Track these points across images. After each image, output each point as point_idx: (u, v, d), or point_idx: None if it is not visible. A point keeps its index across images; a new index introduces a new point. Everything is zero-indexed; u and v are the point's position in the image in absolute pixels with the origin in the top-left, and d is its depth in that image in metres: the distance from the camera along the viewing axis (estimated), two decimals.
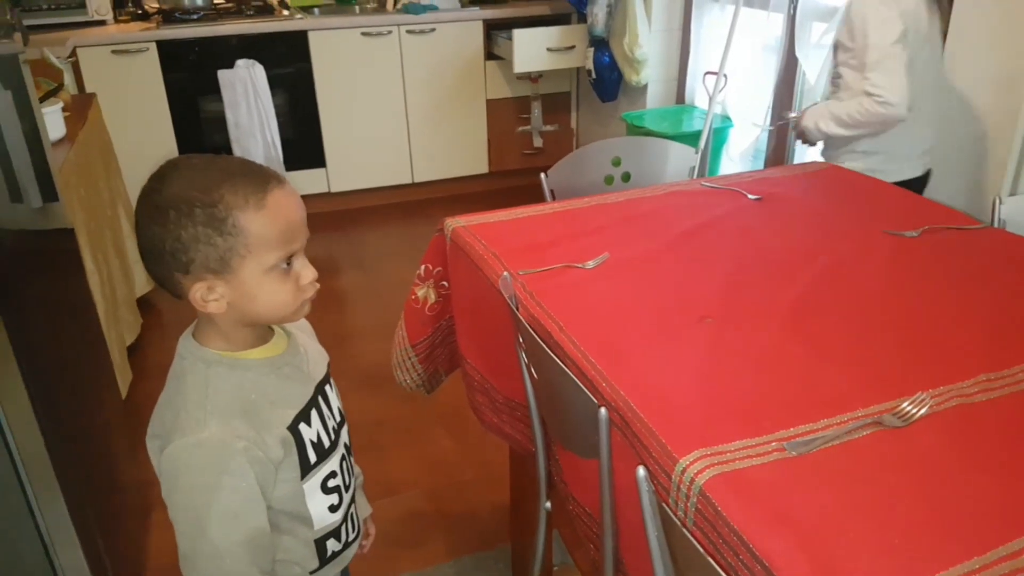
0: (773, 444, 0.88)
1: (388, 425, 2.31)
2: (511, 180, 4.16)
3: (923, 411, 0.91)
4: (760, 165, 3.21)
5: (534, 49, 3.69)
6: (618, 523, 1.01)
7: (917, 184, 1.98)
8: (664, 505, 0.83)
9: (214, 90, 3.49)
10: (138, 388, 2.48)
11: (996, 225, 1.49)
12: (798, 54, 2.77)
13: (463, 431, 2.26)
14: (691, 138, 3.15)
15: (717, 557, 0.79)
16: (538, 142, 4.12)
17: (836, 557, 0.73)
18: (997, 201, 1.50)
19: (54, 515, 1.35)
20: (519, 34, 3.63)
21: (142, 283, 2.91)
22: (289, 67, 3.60)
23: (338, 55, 3.61)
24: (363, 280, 3.29)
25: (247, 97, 3.51)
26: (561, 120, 4.15)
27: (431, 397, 1.77)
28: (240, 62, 3.48)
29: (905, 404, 0.93)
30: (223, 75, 3.47)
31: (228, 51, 3.48)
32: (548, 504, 1.32)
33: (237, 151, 3.59)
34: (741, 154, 3.28)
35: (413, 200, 4.06)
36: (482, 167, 4.10)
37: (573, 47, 3.77)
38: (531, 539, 1.44)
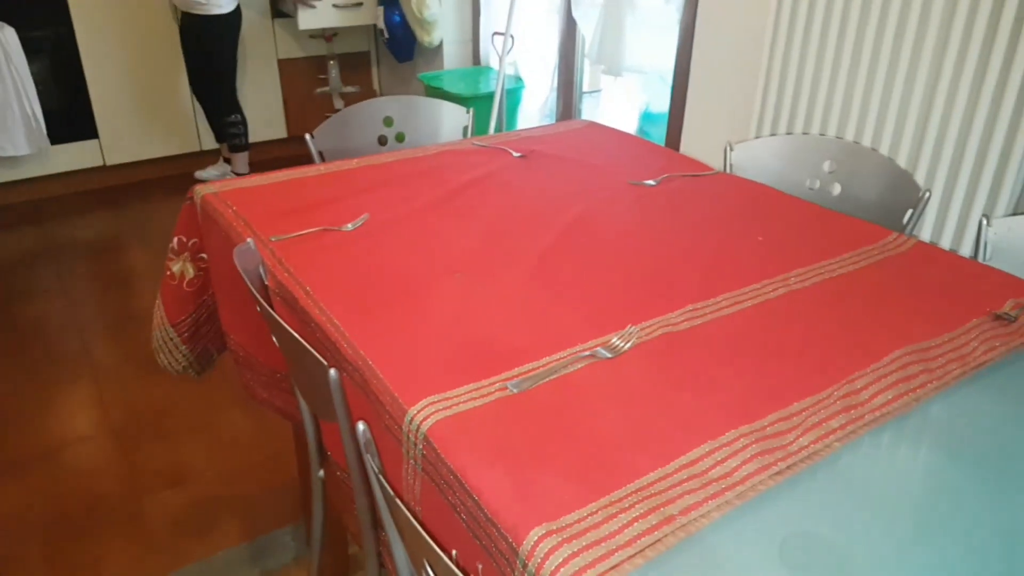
0: (496, 385, 0.92)
1: (177, 411, 2.20)
2: None
3: (630, 344, 0.99)
4: None
5: (320, 5, 3.59)
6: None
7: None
8: (364, 455, 0.85)
9: None
10: None
11: (727, 171, 1.63)
12: (575, 15, 2.86)
13: (251, 412, 2.19)
14: (488, 99, 3.19)
15: (442, 498, 0.83)
16: (339, 104, 4.01)
17: (534, 480, 0.78)
18: (728, 148, 1.64)
19: None
20: None
21: None
22: (47, 30, 3.25)
23: (104, 16, 3.30)
24: (149, 258, 3.08)
25: None
26: (362, 81, 4.06)
27: (222, 378, 1.70)
28: None
29: (614, 339, 1.01)
30: None
31: None
32: (321, 472, 1.32)
33: None
34: (536, 114, 3.38)
35: None
36: (281, 131, 3.94)
37: (361, 3, 3.69)
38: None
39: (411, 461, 0.88)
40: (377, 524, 1.08)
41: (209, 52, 3.28)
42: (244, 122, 3.46)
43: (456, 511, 0.81)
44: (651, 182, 1.54)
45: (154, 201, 3.52)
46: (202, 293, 1.50)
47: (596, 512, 0.73)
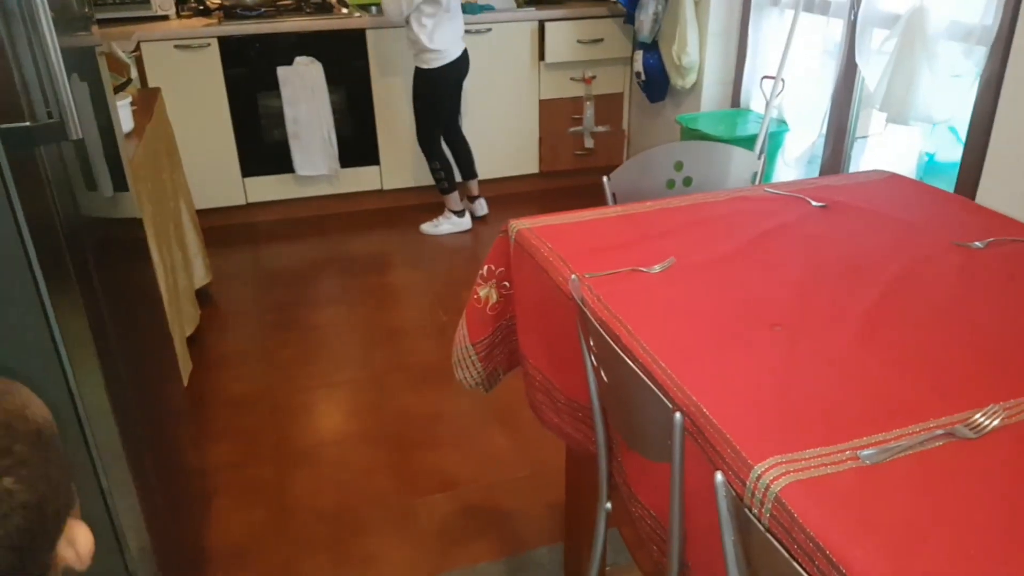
0: (847, 452, 0.88)
1: (444, 421, 2.35)
2: (562, 180, 4.18)
3: (995, 423, 0.91)
4: (815, 170, 3.18)
5: (563, 41, 3.82)
6: (685, 526, 1.02)
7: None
8: (747, 511, 0.84)
9: (273, 86, 3.57)
10: (197, 378, 2.56)
11: None
12: (858, 60, 2.73)
13: (518, 429, 2.29)
14: (746, 141, 3.13)
15: (780, 557, 0.80)
16: (589, 143, 4.13)
17: (916, 565, 0.73)
18: None
19: (124, 499, 1.40)
20: (550, 25, 3.82)
21: (201, 275, 2.99)
22: (347, 65, 3.67)
23: (395, 54, 3.66)
24: (416, 277, 3.34)
25: (306, 93, 3.58)
26: (613, 121, 4.15)
27: (486, 395, 1.80)
28: (299, 59, 3.56)
29: (978, 416, 0.93)
30: (282, 71, 3.54)
31: (288, 48, 3.56)
32: (608, 505, 1.34)
33: (295, 147, 3.67)
34: (796, 159, 3.25)
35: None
36: (533, 167, 4.12)
37: (602, 40, 3.87)
38: (586, 539, 1.46)
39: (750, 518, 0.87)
40: (683, 569, 1.07)
41: (413, 100, 3.51)
42: (443, 167, 3.64)
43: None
44: (978, 244, 1.41)
45: (419, 224, 3.82)
46: (500, 318, 1.59)
47: None
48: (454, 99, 3.61)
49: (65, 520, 0.63)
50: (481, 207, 3.85)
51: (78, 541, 0.65)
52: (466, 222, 3.76)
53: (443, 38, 3.29)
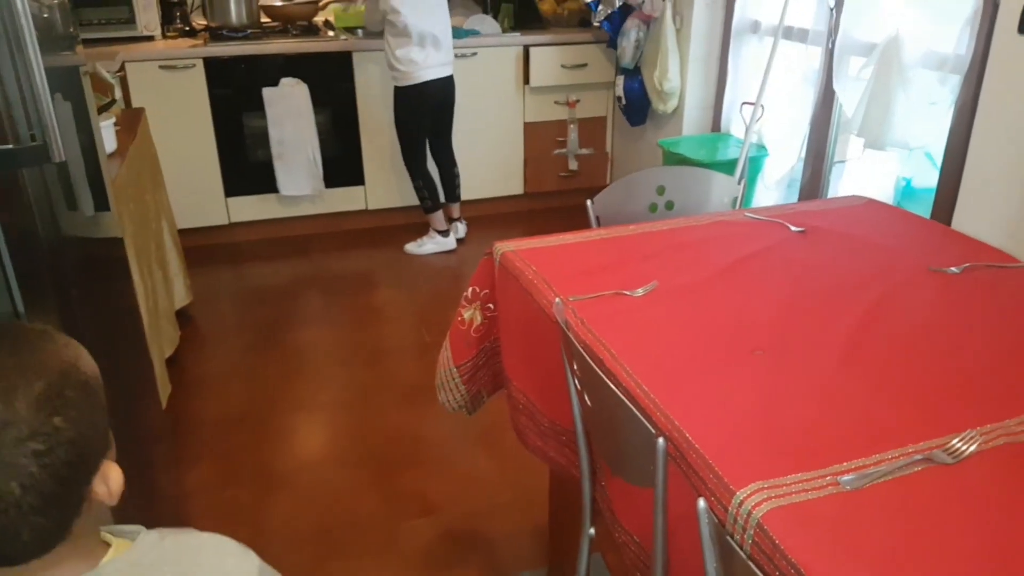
0: (828, 478, 0.89)
1: (426, 443, 2.34)
2: (547, 201, 4.20)
3: (973, 448, 0.93)
4: (795, 194, 3.22)
5: (548, 65, 3.89)
6: (668, 552, 1.02)
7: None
8: (728, 538, 0.84)
9: (258, 107, 3.57)
10: (176, 401, 2.53)
11: None
12: (836, 87, 2.78)
13: (501, 452, 2.28)
14: (727, 165, 3.17)
15: None
16: (573, 165, 4.16)
17: None
18: None
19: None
20: (534, 50, 3.87)
21: (181, 296, 2.97)
22: (332, 86, 3.68)
23: (380, 76, 3.67)
24: (400, 298, 3.33)
25: (291, 114, 3.59)
26: (597, 144, 4.19)
27: (469, 418, 1.80)
28: (285, 80, 3.56)
29: (955, 441, 0.94)
30: (268, 92, 3.55)
31: (273, 69, 3.56)
32: (592, 530, 1.34)
33: (279, 167, 3.66)
34: (776, 183, 3.30)
35: None
36: (518, 188, 4.14)
37: (586, 64, 3.94)
38: (570, 564, 1.45)
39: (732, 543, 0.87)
40: None
41: (394, 119, 3.54)
42: (426, 187, 3.66)
43: None
44: (955, 270, 1.44)
45: (403, 244, 3.82)
46: (484, 340, 1.60)
47: None
48: (436, 122, 3.61)
49: (102, 461, 0.73)
50: (458, 230, 3.86)
51: (111, 479, 0.73)
52: (450, 242, 3.76)
53: (408, 59, 3.32)
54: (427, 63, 3.35)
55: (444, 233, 3.75)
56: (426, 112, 3.51)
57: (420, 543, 1.96)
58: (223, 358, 2.84)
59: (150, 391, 2.12)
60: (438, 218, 3.73)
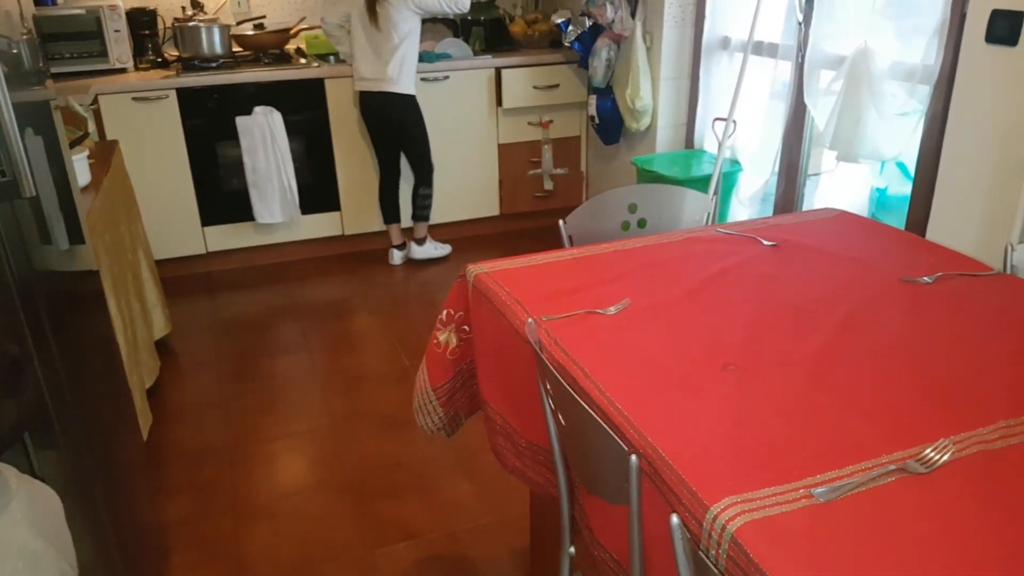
0: (801, 491, 0.90)
1: (406, 468, 2.32)
2: (523, 222, 4.22)
3: (946, 457, 0.93)
4: (769, 208, 3.25)
5: (520, 87, 3.95)
6: (646, 568, 1.02)
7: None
8: (702, 553, 0.84)
9: (232, 136, 3.56)
10: (157, 431, 2.50)
11: (1008, 271, 1.51)
12: (807, 100, 2.82)
13: (481, 475, 2.26)
14: (701, 182, 3.20)
15: None
16: (549, 185, 4.19)
17: None
18: (1009, 248, 1.53)
19: (80, 556, 1.36)
20: (506, 72, 3.92)
21: (160, 326, 2.95)
22: (306, 114, 3.68)
23: (354, 102, 3.69)
24: (377, 323, 3.32)
25: (264, 143, 3.58)
26: (571, 164, 4.22)
27: (448, 441, 1.80)
28: (258, 109, 3.56)
29: (928, 451, 0.95)
30: (241, 121, 3.54)
31: (246, 98, 3.56)
32: (572, 549, 1.33)
33: (255, 195, 3.65)
34: (751, 198, 3.33)
35: None
36: (494, 209, 4.16)
37: (558, 85, 3.98)
38: None
39: (710, 560, 0.87)
40: None
41: (410, 127, 3.61)
42: (422, 196, 3.79)
43: None
44: (927, 279, 1.46)
45: (382, 268, 3.82)
46: (460, 362, 1.59)
47: None
48: (380, 140, 3.70)
49: None
50: (412, 251, 3.91)
51: None
52: (447, 247, 3.92)
53: (354, 59, 3.53)
54: (366, 71, 3.51)
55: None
56: (371, 125, 3.68)
57: (401, 569, 1.94)
58: (203, 388, 2.81)
59: (130, 423, 2.09)
60: (424, 228, 3.82)
